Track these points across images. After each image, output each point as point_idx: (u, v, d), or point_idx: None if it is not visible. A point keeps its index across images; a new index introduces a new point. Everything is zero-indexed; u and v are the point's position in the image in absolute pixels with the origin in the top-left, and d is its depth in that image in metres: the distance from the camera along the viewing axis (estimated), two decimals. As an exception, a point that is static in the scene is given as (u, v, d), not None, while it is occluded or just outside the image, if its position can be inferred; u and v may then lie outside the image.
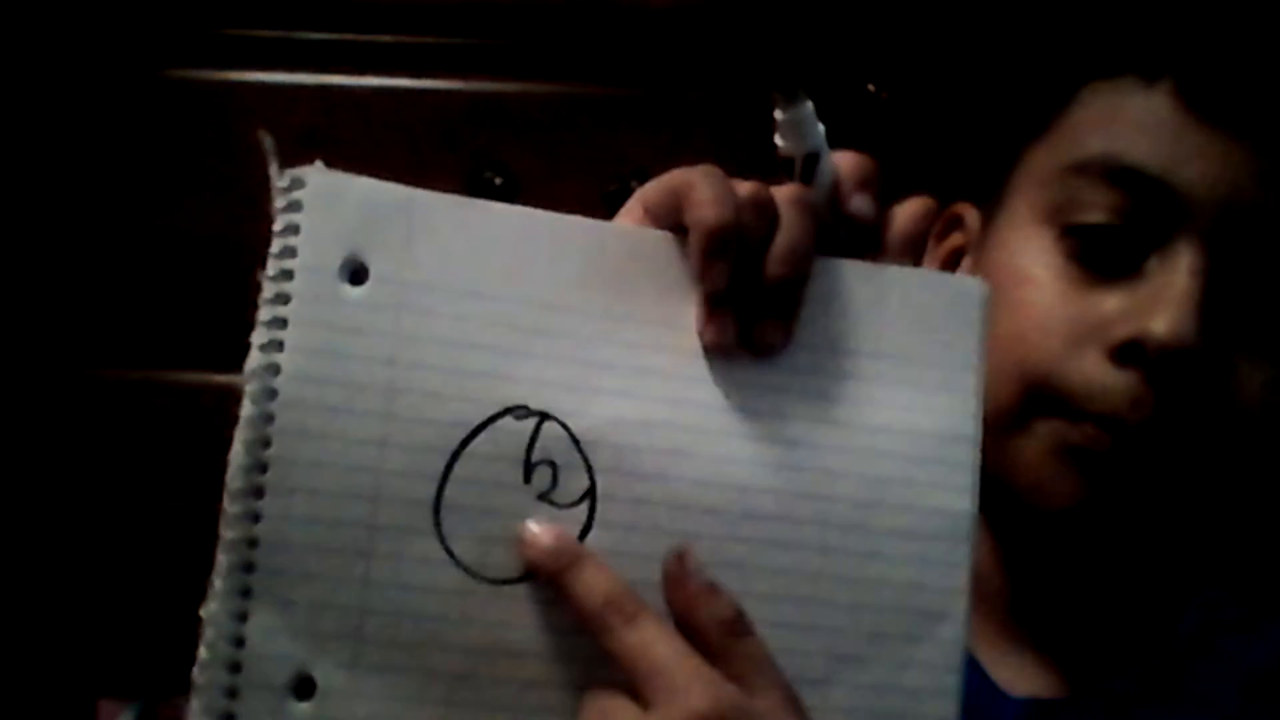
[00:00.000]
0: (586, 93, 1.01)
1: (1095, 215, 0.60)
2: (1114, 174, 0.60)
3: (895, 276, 0.48)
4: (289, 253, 0.44)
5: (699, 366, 0.46)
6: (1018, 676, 0.65)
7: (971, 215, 0.69)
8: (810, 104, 0.49)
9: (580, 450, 0.45)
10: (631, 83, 1.01)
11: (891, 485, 0.47)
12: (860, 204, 0.48)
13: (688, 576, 0.44)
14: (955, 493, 0.48)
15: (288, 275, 0.44)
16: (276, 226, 0.44)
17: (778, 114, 0.49)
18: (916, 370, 0.48)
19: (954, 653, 0.47)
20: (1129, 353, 0.58)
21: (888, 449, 0.47)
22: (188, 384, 1.01)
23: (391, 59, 1.01)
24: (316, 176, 0.45)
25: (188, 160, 1.02)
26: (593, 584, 0.44)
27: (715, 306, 0.46)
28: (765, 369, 0.47)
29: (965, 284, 0.50)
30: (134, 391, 1.02)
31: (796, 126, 0.49)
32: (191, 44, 1.02)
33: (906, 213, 0.49)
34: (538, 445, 0.45)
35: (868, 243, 0.49)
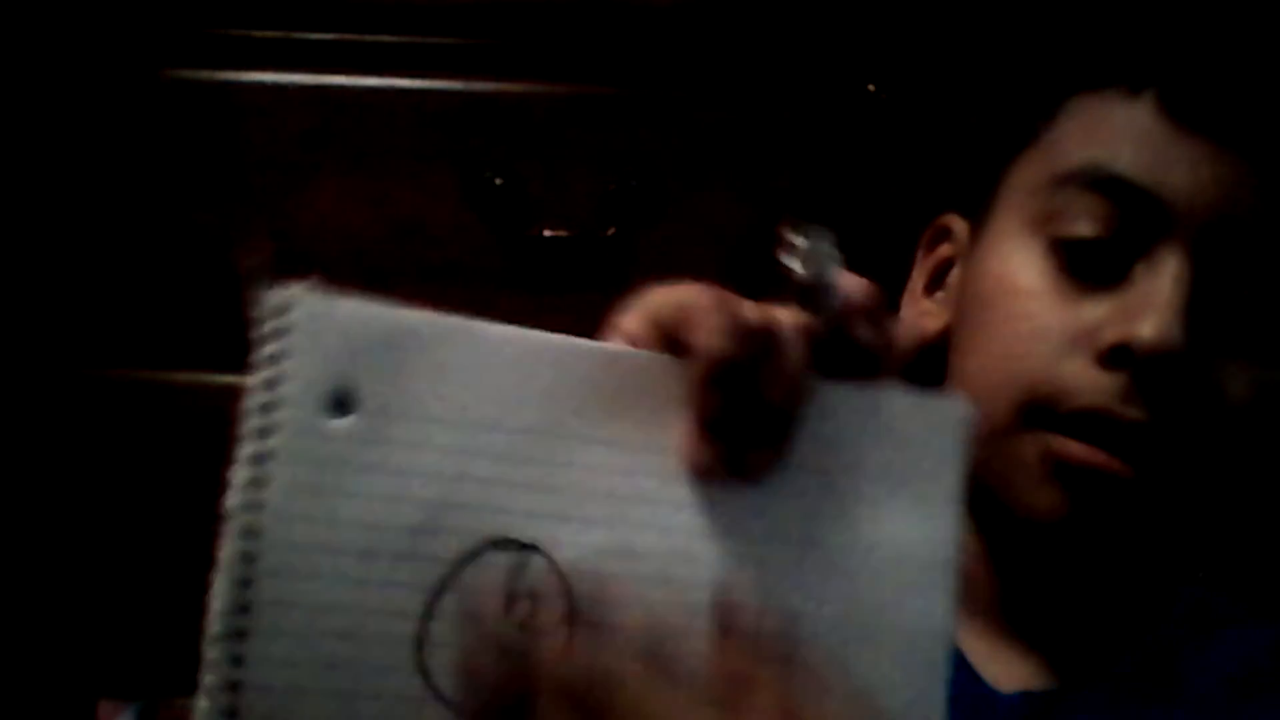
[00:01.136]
0: (586, 93, 1.01)
1: (1082, 225, 0.61)
2: (1100, 183, 0.61)
3: (879, 398, 0.49)
4: (274, 383, 0.42)
5: (684, 491, 0.46)
6: (1007, 673, 0.65)
7: (960, 226, 0.70)
8: (829, 236, 0.49)
9: (563, 580, 0.44)
10: (631, 83, 1.01)
11: (871, 607, 0.47)
12: (868, 334, 0.49)
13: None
14: (933, 612, 0.48)
15: (272, 408, 0.42)
16: (262, 353, 0.42)
17: (796, 240, 0.49)
18: (899, 492, 0.48)
19: None
20: (1117, 357, 0.59)
21: (868, 571, 0.48)
22: (187, 384, 1.01)
23: (391, 59, 1.01)
24: (305, 300, 0.43)
25: (188, 160, 1.02)
26: None
27: (705, 432, 0.46)
28: (750, 491, 0.47)
29: (946, 406, 0.50)
30: (133, 391, 1.01)
31: (811, 254, 0.49)
32: (191, 44, 1.02)
33: (907, 331, 0.50)
34: (521, 577, 0.44)
35: (870, 364, 0.49)
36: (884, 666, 0.47)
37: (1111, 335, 0.59)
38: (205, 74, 1.02)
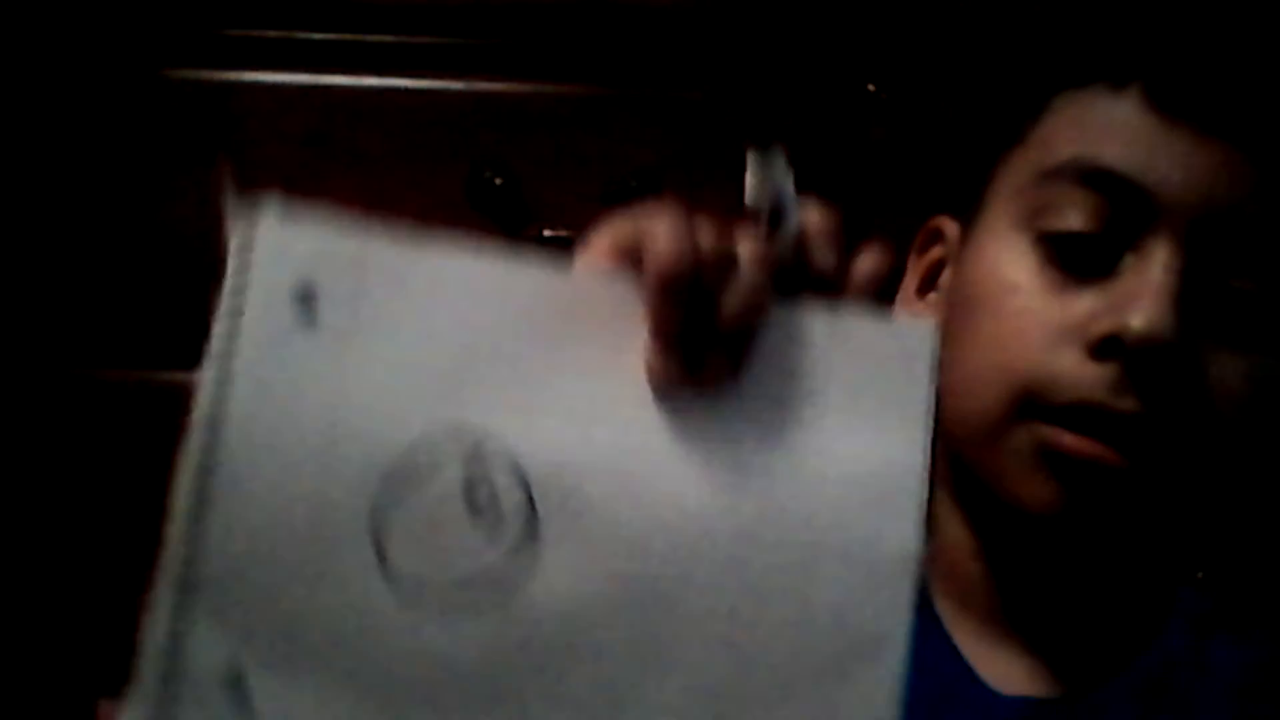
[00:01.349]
0: (586, 93, 1.01)
1: (1071, 219, 0.61)
2: (1087, 177, 0.61)
3: (847, 322, 0.49)
4: (240, 289, 0.46)
5: (646, 405, 0.47)
6: (1006, 674, 0.65)
7: (951, 228, 0.70)
8: (783, 156, 0.50)
9: (519, 474, 0.46)
10: (631, 83, 1.01)
11: (834, 525, 0.47)
12: (824, 258, 0.49)
13: None
14: (899, 532, 0.48)
15: (238, 311, 0.46)
16: (231, 264, 0.46)
17: (749, 163, 0.50)
18: (864, 412, 0.48)
19: (890, 690, 0.47)
20: (1107, 347, 0.59)
21: (832, 488, 0.48)
22: (186, 384, 1.00)
23: (391, 59, 1.01)
24: (272, 216, 0.46)
25: (188, 160, 1.02)
26: None
27: (663, 344, 0.46)
28: (712, 409, 0.47)
29: (913, 327, 0.50)
30: (133, 392, 1.02)
31: (766, 177, 0.50)
32: (191, 44, 1.02)
33: (867, 262, 0.50)
34: (477, 465, 0.45)
35: (829, 289, 0.49)
36: (846, 584, 0.47)
37: (1102, 327, 0.59)
38: (205, 74, 1.02)
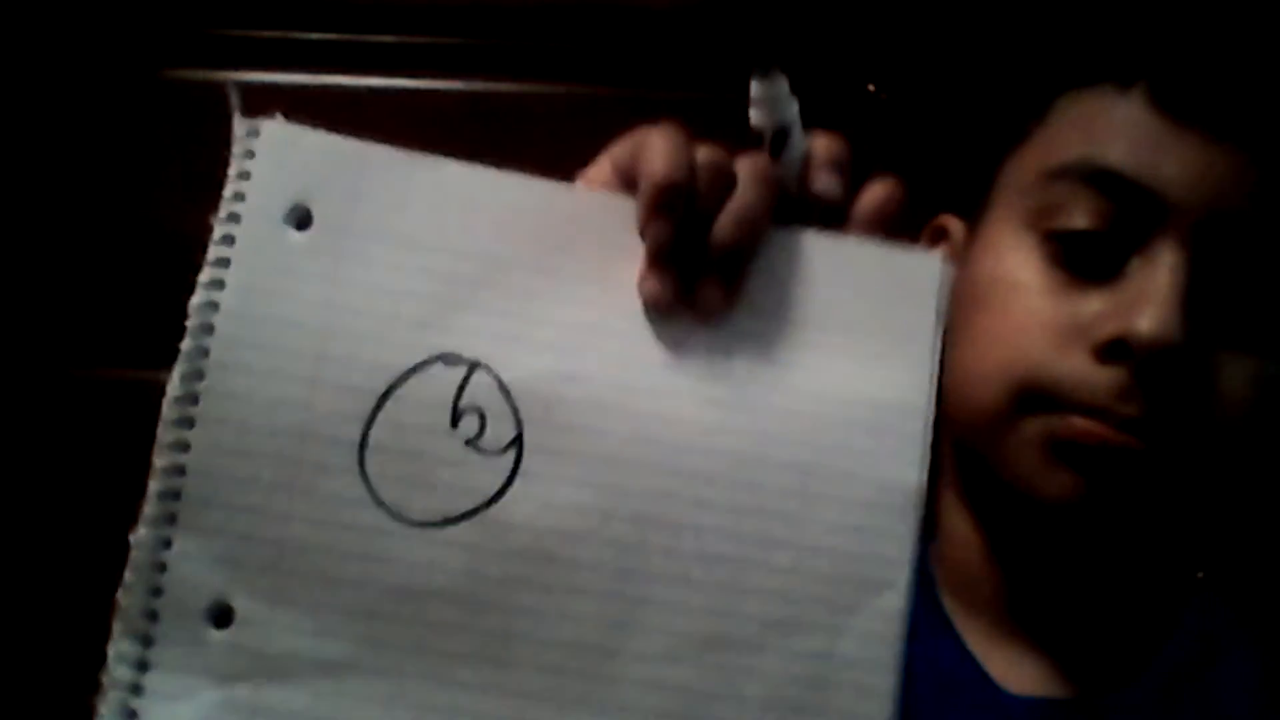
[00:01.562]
0: (586, 93, 1.01)
1: (1076, 219, 0.61)
2: (1093, 177, 0.61)
3: (853, 249, 0.48)
4: (238, 197, 0.46)
5: (638, 325, 0.46)
6: (1016, 674, 0.65)
7: (956, 226, 0.70)
8: (785, 79, 0.49)
9: (509, 400, 0.45)
10: (631, 83, 1.01)
11: (835, 452, 0.46)
12: (825, 183, 0.48)
13: None
14: (902, 464, 0.47)
15: (235, 218, 0.46)
16: (231, 171, 0.47)
17: (753, 87, 0.50)
18: (868, 341, 0.47)
19: (895, 625, 0.46)
20: (1114, 350, 0.58)
21: (832, 416, 0.47)
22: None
23: (391, 59, 1.01)
24: (272, 126, 0.48)
25: (187, 160, 1.02)
26: None
27: (657, 261, 0.46)
28: (708, 332, 0.46)
29: (923, 259, 0.49)
30: (134, 392, 1.01)
31: (769, 100, 0.49)
32: (191, 44, 1.02)
33: (873, 193, 0.49)
34: (466, 393, 0.45)
35: (834, 222, 0.48)
36: (845, 511, 0.46)
37: (1109, 329, 0.59)
38: (205, 74, 1.02)
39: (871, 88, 0.97)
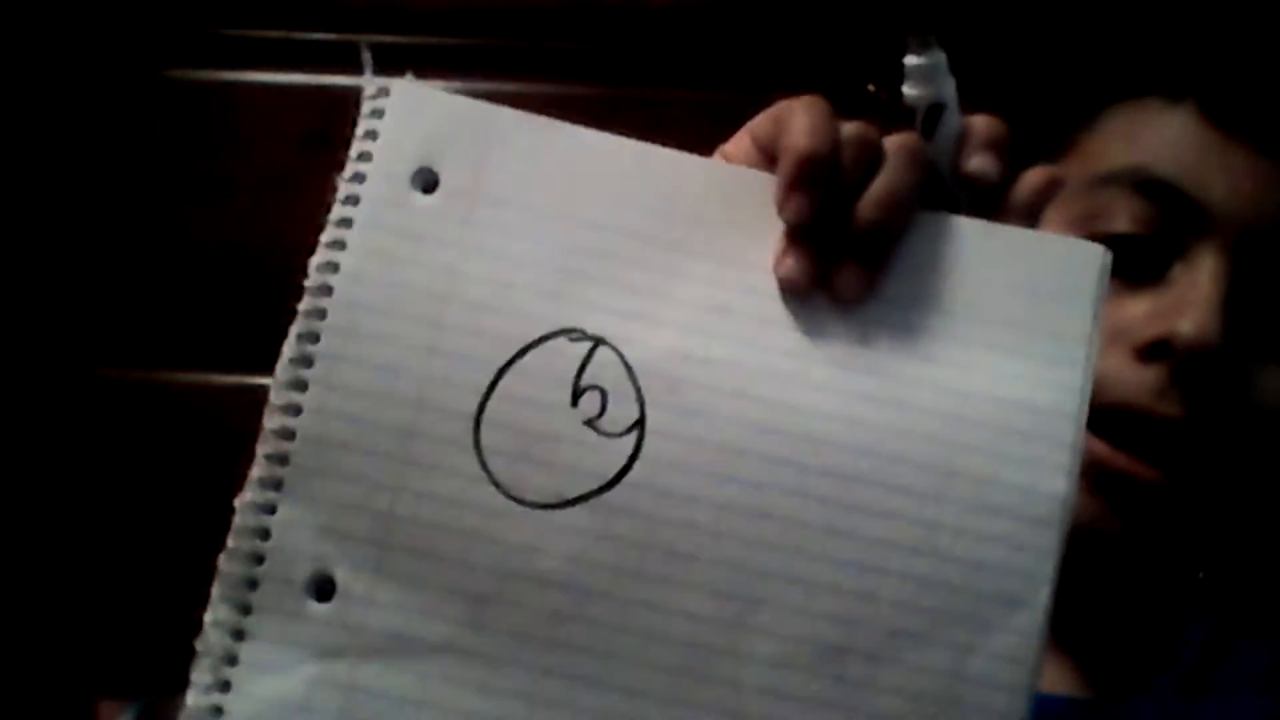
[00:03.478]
0: (586, 93, 1.01)
1: (1122, 224, 0.62)
2: (1141, 185, 0.62)
3: (1007, 237, 0.45)
4: (365, 157, 0.44)
5: (774, 309, 0.43)
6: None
7: None
8: (943, 54, 0.46)
9: (633, 380, 0.43)
10: (631, 83, 1.01)
11: (976, 455, 0.43)
12: (981, 163, 0.45)
13: None
14: (1049, 472, 0.43)
15: (360, 178, 0.44)
16: (358, 131, 0.45)
17: (908, 59, 0.46)
18: (1019, 337, 0.44)
19: (1031, 645, 0.43)
20: (1155, 351, 0.59)
21: (977, 416, 0.43)
22: (187, 384, 1.00)
23: (392, 59, 1.01)
24: (402, 85, 0.46)
25: (188, 160, 1.02)
26: None
27: (795, 240, 0.43)
28: (847, 319, 0.43)
29: (1085, 248, 0.45)
30: (133, 392, 1.01)
31: (926, 73, 0.46)
32: (191, 44, 1.02)
33: (1033, 178, 0.47)
34: (589, 370, 0.43)
35: (988, 207, 0.46)
36: (983, 518, 0.43)
37: (1151, 330, 0.60)
38: (205, 74, 1.02)
39: (871, 88, 0.97)
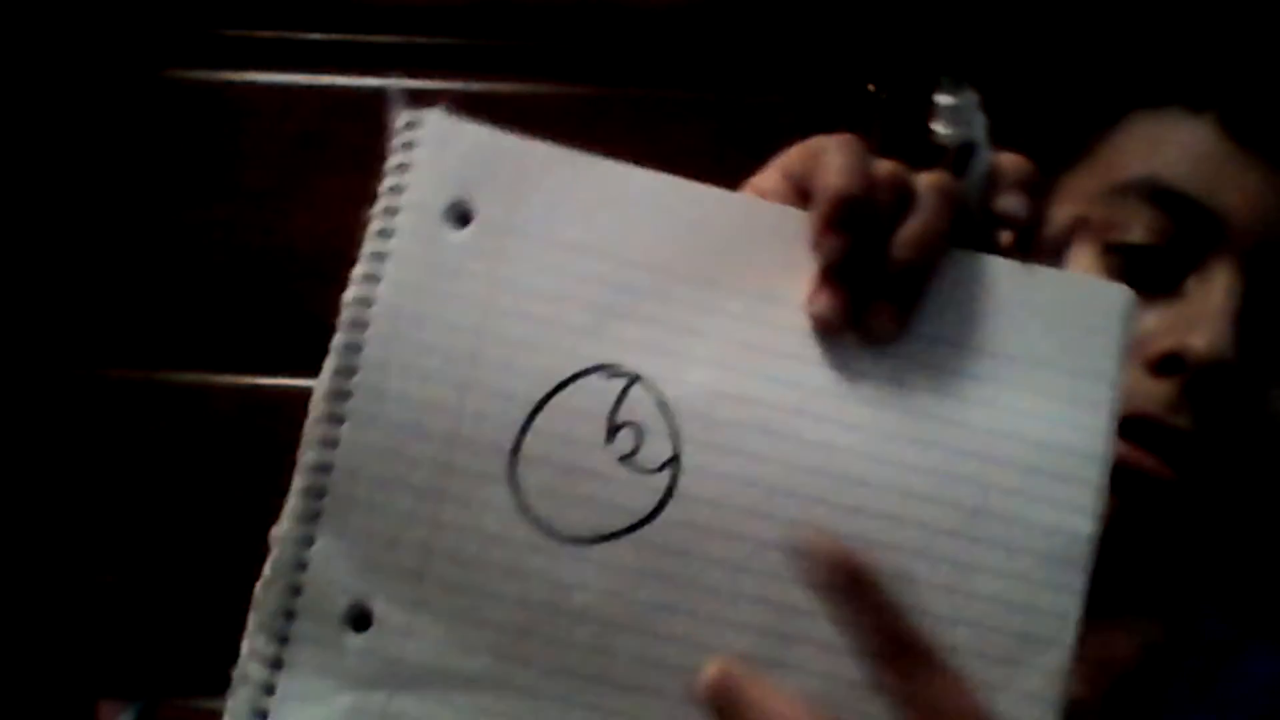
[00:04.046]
0: (586, 93, 1.01)
1: (1137, 234, 0.62)
2: (1157, 195, 0.62)
3: (1035, 276, 0.45)
4: (398, 190, 0.44)
5: (807, 347, 0.44)
6: None
7: (1005, 237, 0.71)
8: (975, 94, 0.47)
9: (667, 417, 0.43)
10: (631, 83, 1.01)
11: (1005, 495, 0.43)
12: (1012, 203, 0.46)
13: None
14: (1075, 512, 0.44)
15: (394, 212, 0.44)
16: (390, 164, 0.45)
17: (939, 98, 0.47)
18: (1047, 377, 0.44)
19: (1055, 684, 0.43)
20: (1168, 364, 0.59)
21: (1006, 455, 0.44)
22: (188, 384, 1.01)
23: (391, 59, 1.01)
24: (435, 118, 0.45)
25: (188, 160, 1.02)
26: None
27: (828, 279, 0.43)
28: (878, 357, 0.44)
29: (1110, 289, 0.46)
30: (134, 392, 1.02)
31: (957, 113, 0.47)
32: (191, 44, 1.02)
33: (1058, 220, 0.48)
34: (624, 407, 0.43)
35: (1018, 245, 0.46)
36: (1014, 563, 0.43)
37: (1164, 344, 0.60)
38: (205, 74, 1.02)
39: (871, 88, 0.97)
